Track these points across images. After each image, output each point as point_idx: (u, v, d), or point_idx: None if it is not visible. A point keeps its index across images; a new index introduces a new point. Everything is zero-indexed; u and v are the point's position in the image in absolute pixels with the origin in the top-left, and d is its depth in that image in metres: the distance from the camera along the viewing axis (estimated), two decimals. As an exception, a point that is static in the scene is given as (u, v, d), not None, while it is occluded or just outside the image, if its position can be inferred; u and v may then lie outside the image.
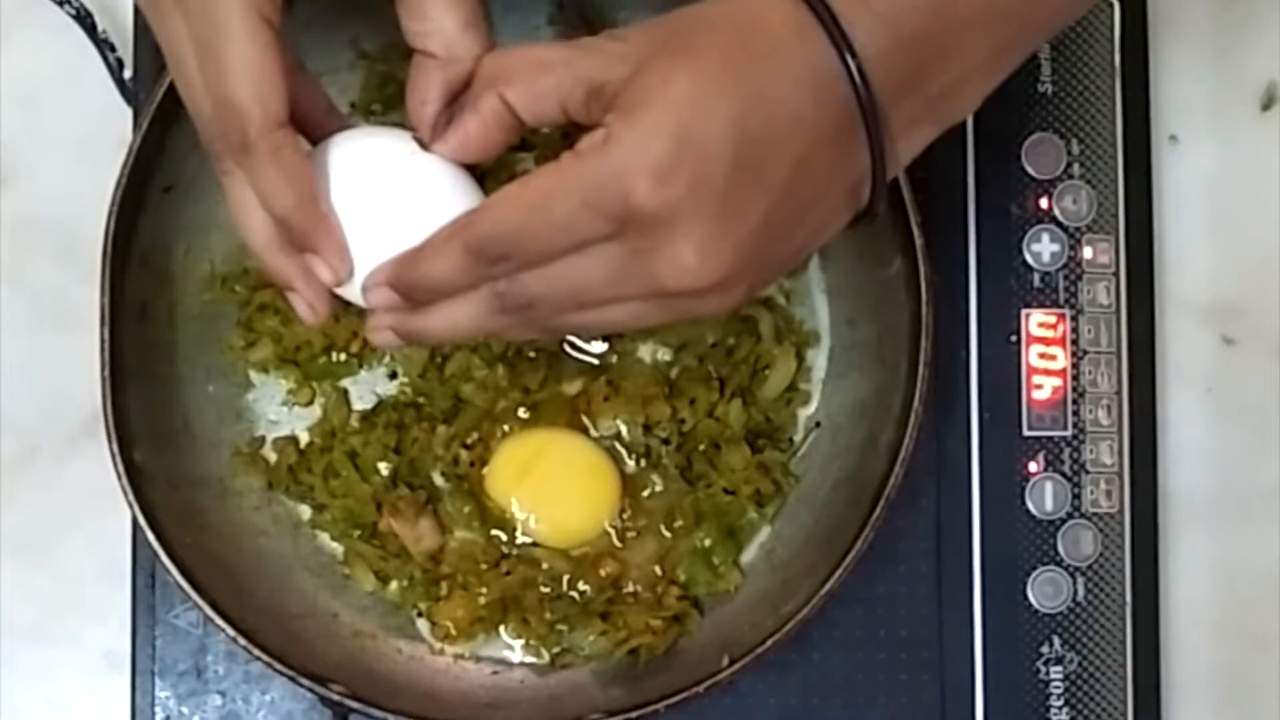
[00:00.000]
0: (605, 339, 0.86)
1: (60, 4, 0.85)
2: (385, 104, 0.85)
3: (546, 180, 0.60)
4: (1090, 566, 0.86)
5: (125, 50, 0.86)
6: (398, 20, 0.67)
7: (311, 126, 0.68)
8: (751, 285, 0.63)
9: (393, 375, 0.87)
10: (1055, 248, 0.87)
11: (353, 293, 0.67)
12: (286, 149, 0.64)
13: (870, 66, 0.60)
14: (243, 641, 0.77)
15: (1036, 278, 0.87)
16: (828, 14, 0.60)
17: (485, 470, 0.85)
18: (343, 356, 0.86)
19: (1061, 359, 0.86)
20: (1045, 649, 0.85)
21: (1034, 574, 0.86)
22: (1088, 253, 0.87)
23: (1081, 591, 0.86)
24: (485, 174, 0.85)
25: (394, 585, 0.85)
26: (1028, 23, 0.64)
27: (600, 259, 0.61)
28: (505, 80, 0.64)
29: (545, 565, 0.85)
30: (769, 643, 0.77)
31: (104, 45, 0.86)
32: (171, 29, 0.64)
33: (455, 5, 0.66)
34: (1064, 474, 0.86)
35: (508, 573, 0.85)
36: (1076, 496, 0.86)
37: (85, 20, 0.85)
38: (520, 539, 0.85)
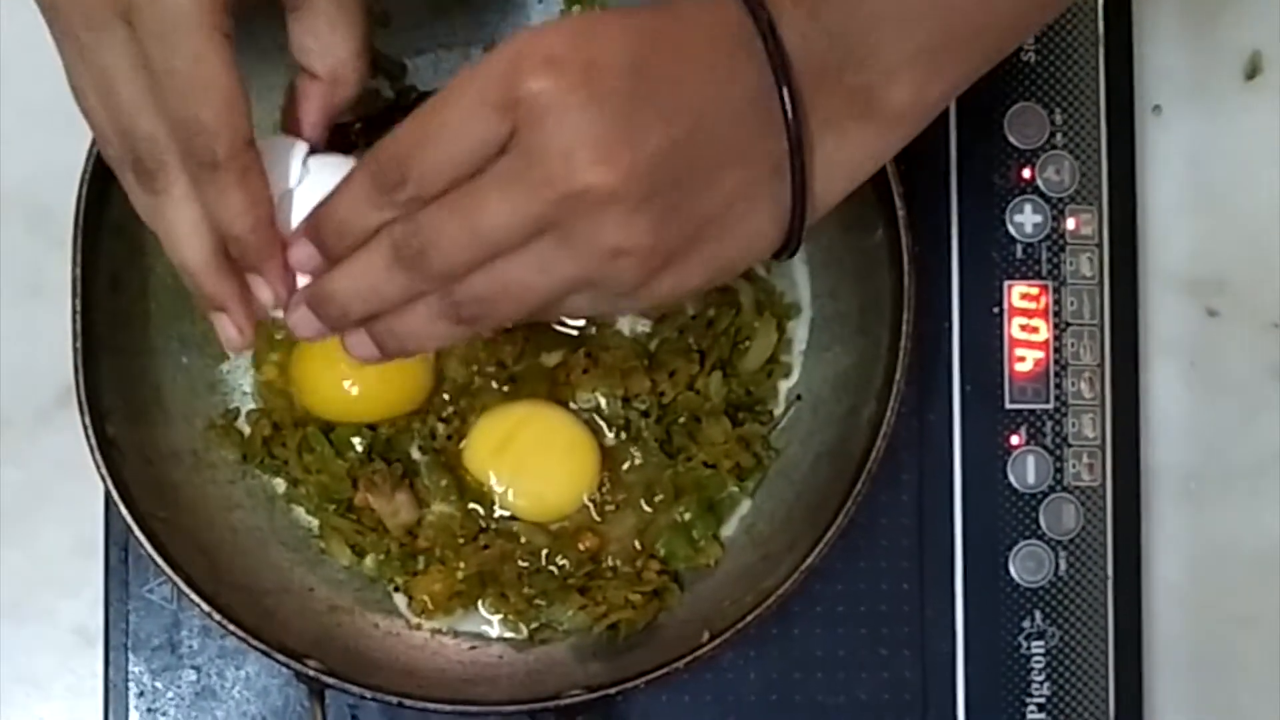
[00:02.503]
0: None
1: (30, -31, 0.84)
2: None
3: (446, 89, 0.59)
4: (1072, 540, 0.85)
5: (96, 17, 0.85)
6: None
7: None
8: (673, 232, 0.60)
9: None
10: (1038, 219, 0.86)
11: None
12: (253, 169, 0.63)
13: (785, 34, 0.60)
14: (217, 617, 0.77)
15: (1019, 249, 0.86)
16: None
17: (463, 444, 0.85)
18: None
19: (1044, 331, 0.86)
20: (1027, 623, 0.85)
21: (1015, 548, 0.85)
22: (1070, 224, 0.86)
23: (1063, 566, 0.85)
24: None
25: (370, 559, 0.85)
26: (956, 28, 0.63)
27: (495, 175, 0.58)
28: None
29: (524, 539, 0.85)
30: (749, 618, 0.77)
31: (75, 12, 0.84)
32: (105, 49, 0.63)
33: (349, 32, 0.66)
34: (1046, 447, 0.86)
35: (486, 547, 0.84)
36: (1058, 470, 0.86)
37: (55, -14, 0.84)
38: (498, 513, 0.85)
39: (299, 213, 0.65)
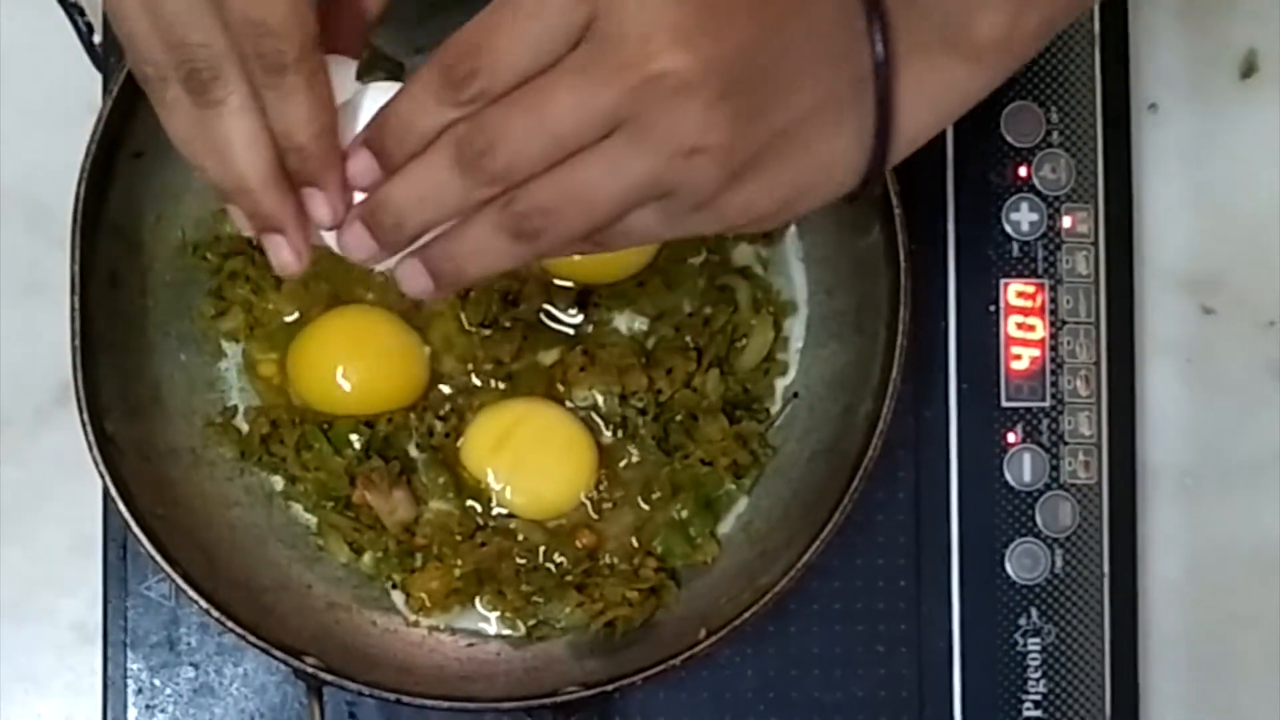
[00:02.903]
0: (581, 305, 0.85)
1: (28, -32, 0.84)
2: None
3: None
4: (1068, 538, 0.86)
5: (94, 14, 0.85)
6: None
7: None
8: (751, 136, 0.57)
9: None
10: (1034, 217, 0.86)
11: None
12: (321, 72, 0.60)
13: None
14: (215, 614, 0.77)
15: (1015, 247, 0.86)
16: None
17: (461, 441, 0.85)
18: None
19: (1040, 329, 0.86)
20: (1023, 620, 0.85)
21: (1012, 545, 0.85)
22: (1067, 222, 0.86)
23: (1059, 563, 0.85)
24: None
25: (368, 557, 0.85)
26: None
27: (567, 68, 0.55)
28: None
29: (521, 537, 0.85)
30: (746, 615, 0.77)
31: (73, 9, 0.85)
32: None
33: None
34: (1042, 445, 0.86)
35: (483, 544, 0.84)
36: (1055, 468, 0.86)
37: (54, -16, 0.84)
38: (496, 510, 0.85)
39: (350, 134, 0.62)
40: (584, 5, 0.55)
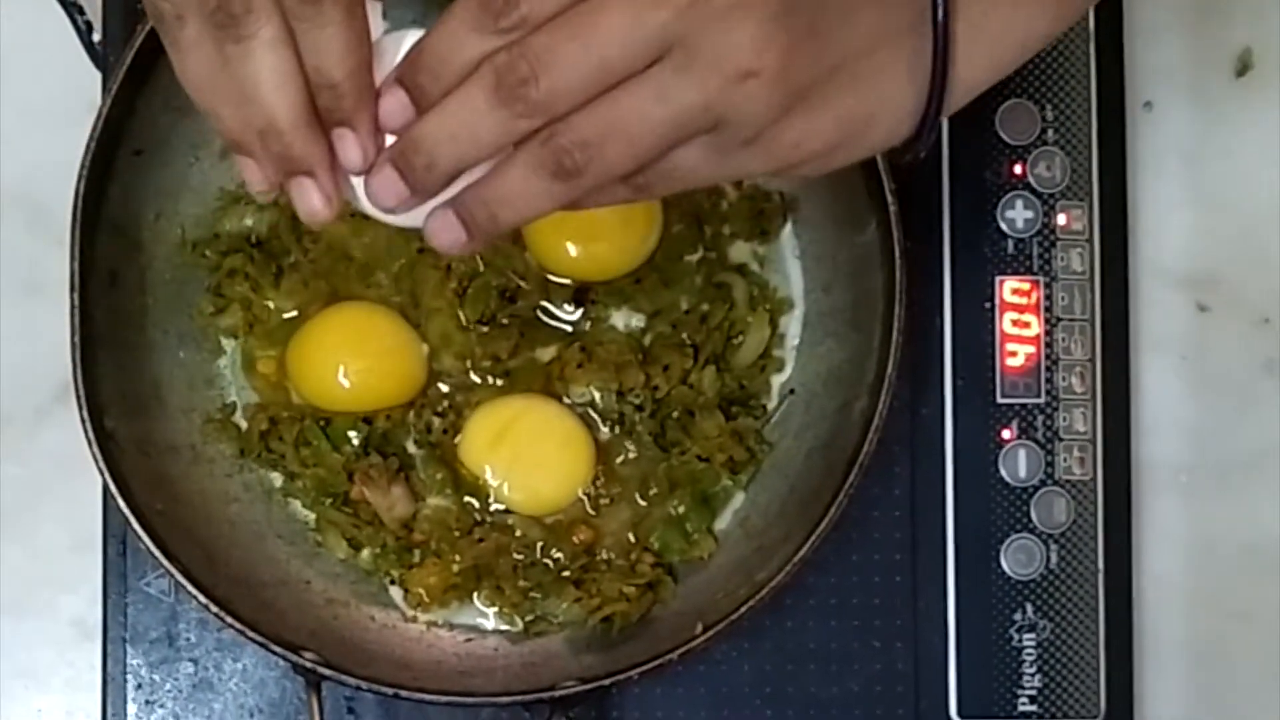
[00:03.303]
0: (578, 302, 0.86)
1: (28, -33, 0.84)
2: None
3: None
4: (1063, 534, 0.86)
5: (94, 13, 0.85)
6: None
7: None
8: (804, 61, 0.54)
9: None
10: (1029, 214, 0.87)
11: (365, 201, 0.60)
12: (359, 5, 0.57)
13: None
14: (214, 609, 0.77)
15: (1010, 244, 0.87)
16: None
17: (458, 438, 0.85)
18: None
19: (1035, 326, 0.86)
20: (1018, 616, 0.85)
21: (1007, 541, 0.86)
22: (1061, 219, 0.87)
23: (1054, 559, 0.86)
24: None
25: (366, 553, 0.85)
26: None
27: None
28: None
29: (519, 532, 0.85)
30: (743, 610, 0.77)
31: (72, 8, 0.85)
32: None
33: None
34: (1037, 441, 0.86)
35: (481, 540, 0.84)
36: (1050, 464, 0.86)
37: (53, -17, 0.84)
38: (494, 506, 0.85)
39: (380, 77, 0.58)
40: None
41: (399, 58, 0.58)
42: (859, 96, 0.56)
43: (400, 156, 0.57)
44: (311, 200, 0.59)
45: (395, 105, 0.57)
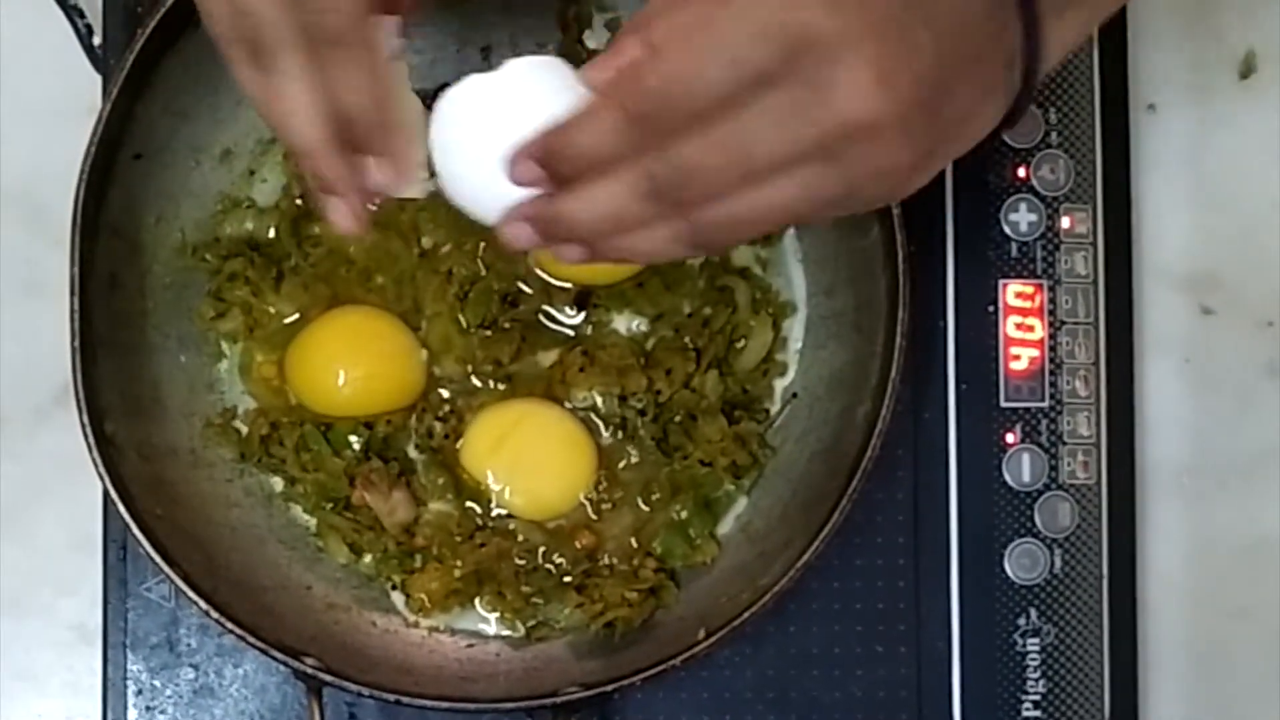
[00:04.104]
0: (580, 306, 0.85)
1: (28, -31, 0.84)
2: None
3: (708, 8, 0.57)
4: (1067, 538, 0.86)
5: (94, 16, 0.85)
6: None
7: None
8: (927, 144, 0.59)
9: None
10: (1033, 217, 0.86)
11: (413, 188, 0.66)
12: (376, 44, 0.62)
13: None
14: (215, 614, 0.77)
15: (1014, 248, 0.86)
16: None
17: (460, 442, 0.85)
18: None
19: (1039, 330, 0.86)
20: (1022, 621, 0.85)
21: (1011, 546, 0.85)
22: (1065, 222, 0.87)
23: (1059, 563, 0.85)
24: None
25: (368, 558, 0.85)
26: None
27: (768, 108, 0.57)
28: None
29: (521, 537, 0.85)
30: (745, 615, 0.77)
31: (72, 11, 0.85)
32: None
33: None
34: (1041, 445, 0.86)
35: (483, 545, 0.84)
36: (1054, 468, 0.86)
37: (53, -14, 0.84)
38: (495, 511, 0.85)
39: (493, 114, 0.62)
40: (782, 50, 0.56)
41: (519, 89, 0.61)
42: (962, 139, 0.61)
43: (542, 221, 0.61)
44: (338, 218, 0.65)
45: (530, 176, 0.60)
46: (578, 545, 0.85)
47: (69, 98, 0.86)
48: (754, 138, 0.57)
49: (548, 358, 0.86)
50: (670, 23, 0.57)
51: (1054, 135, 0.87)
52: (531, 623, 0.84)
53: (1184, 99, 0.91)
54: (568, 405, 0.85)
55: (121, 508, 0.77)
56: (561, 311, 0.86)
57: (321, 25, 0.61)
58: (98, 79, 0.85)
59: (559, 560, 0.85)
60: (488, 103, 0.62)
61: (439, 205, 0.85)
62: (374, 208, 0.66)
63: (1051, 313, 0.86)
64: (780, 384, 0.87)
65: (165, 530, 0.79)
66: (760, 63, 0.56)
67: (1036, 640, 0.85)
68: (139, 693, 0.84)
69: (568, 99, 0.60)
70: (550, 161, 0.60)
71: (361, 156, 0.64)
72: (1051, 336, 0.86)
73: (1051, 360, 0.86)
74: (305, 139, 0.63)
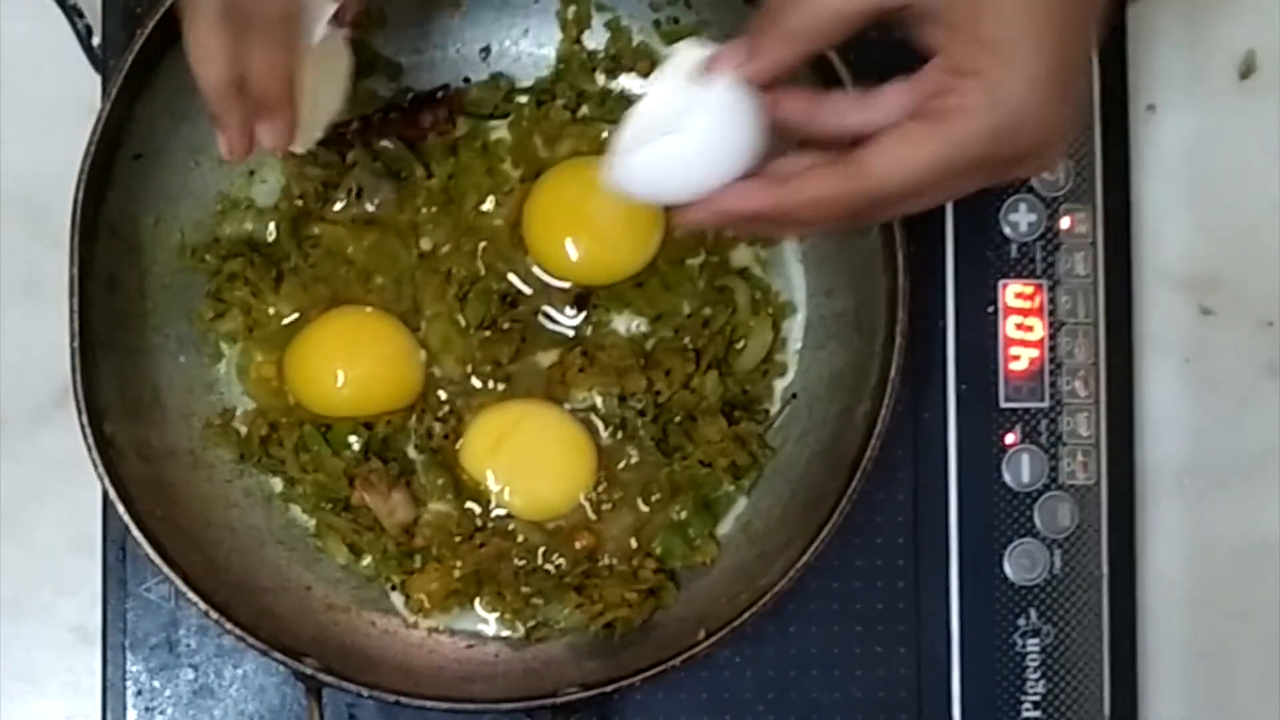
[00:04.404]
0: (580, 306, 0.85)
1: (27, -30, 0.84)
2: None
3: (946, 137, 0.65)
4: (1067, 538, 0.86)
5: (94, 17, 0.85)
6: None
7: None
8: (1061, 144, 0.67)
9: (366, 346, 0.86)
10: (1033, 218, 0.86)
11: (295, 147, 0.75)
12: (303, 25, 0.71)
13: None
14: (215, 615, 0.77)
15: (1014, 248, 0.86)
16: None
17: (459, 443, 0.85)
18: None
19: (1039, 330, 0.86)
20: (1022, 621, 0.85)
21: (1011, 546, 0.85)
22: (1065, 223, 0.86)
23: (1058, 563, 0.85)
24: (458, 142, 0.85)
25: (367, 558, 0.85)
26: None
27: (980, 169, 0.66)
28: None
29: (520, 538, 0.85)
30: (745, 616, 0.77)
31: (72, 11, 0.85)
32: None
33: None
34: (1041, 446, 0.86)
35: (482, 545, 0.84)
36: (1053, 468, 0.86)
37: (53, -13, 0.84)
38: (495, 511, 0.85)
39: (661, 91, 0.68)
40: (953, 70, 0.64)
41: (683, 72, 0.67)
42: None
43: (767, 210, 0.68)
44: (220, 144, 0.72)
45: (752, 205, 0.68)
46: (577, 546, 0.85)
47: (68, 98, 0.86)
48: (963, 187, 0.67)
49: (547, 358, 0.86)
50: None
51: (1054, 135, 0.87)
52: (531, 623, 0.84)
53: (1184, 99, 0.91)
54: (567, 406, 0.85)
55: (121, 508, 0.77)
56: (561, 312, 0.86)
57: (246, 6, 0.70)
58: (97, 79, 0.85)
59: (558, 561, 0.85)
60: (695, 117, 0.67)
61: (439, 205, 0.86)
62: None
63: (1051, 313, 0.86)
64: (780, 384, 0.86)
65: (165, 531, 0.79)
66: (980, 181, 0.67)
67: (1036, 641, 0.85)
68: (139, 693, 0.84)
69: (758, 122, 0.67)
70: (775, 204, 0.67)
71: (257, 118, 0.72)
72: (1051, 337, 0.86)
73: (1051, 360, 0.86)
74: (207, 82, 0.71)
